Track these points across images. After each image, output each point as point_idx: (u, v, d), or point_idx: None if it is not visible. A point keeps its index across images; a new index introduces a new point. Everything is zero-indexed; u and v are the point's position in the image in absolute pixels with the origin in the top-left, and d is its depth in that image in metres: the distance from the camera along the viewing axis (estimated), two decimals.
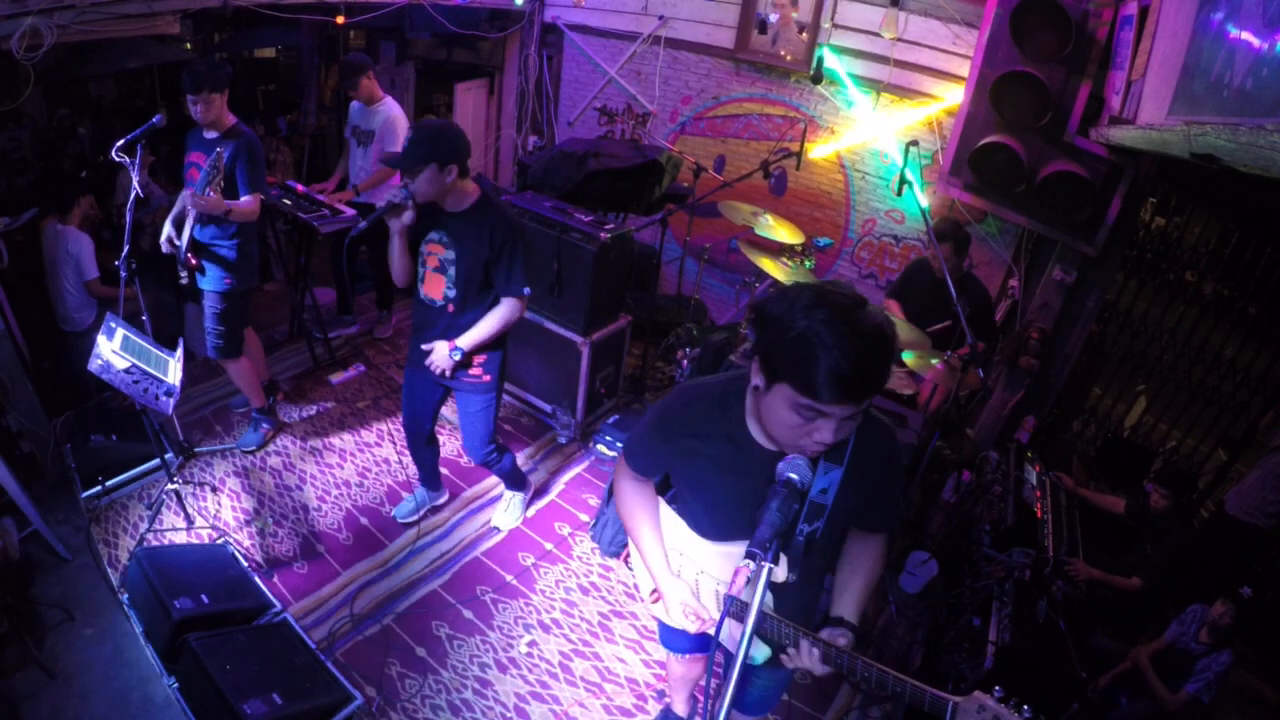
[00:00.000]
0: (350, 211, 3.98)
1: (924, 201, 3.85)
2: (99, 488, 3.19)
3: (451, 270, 2.56)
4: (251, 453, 3.64)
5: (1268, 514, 3.31)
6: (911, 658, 3.06)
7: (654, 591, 1.76)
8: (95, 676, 2.53)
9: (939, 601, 3.23)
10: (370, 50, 6.33)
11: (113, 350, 2.54)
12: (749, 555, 1.18)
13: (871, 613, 3.04)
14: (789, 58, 4.72)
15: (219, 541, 3.06)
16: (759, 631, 1.48)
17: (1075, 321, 4.19)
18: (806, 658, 1.37)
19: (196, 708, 2.25)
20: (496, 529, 3.39)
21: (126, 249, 3.04)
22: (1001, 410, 4.36)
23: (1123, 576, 3.27)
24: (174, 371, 2.69)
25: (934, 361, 3.21)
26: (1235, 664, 2.82)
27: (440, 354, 2.63)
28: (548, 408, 4.11)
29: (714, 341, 3.80)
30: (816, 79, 4.53)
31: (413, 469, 3.62)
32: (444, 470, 3.49)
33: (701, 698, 2.42)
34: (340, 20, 4.80)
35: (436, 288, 2.62)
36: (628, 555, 3.26)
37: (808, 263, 3.96)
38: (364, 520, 3.35)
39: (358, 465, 3.69)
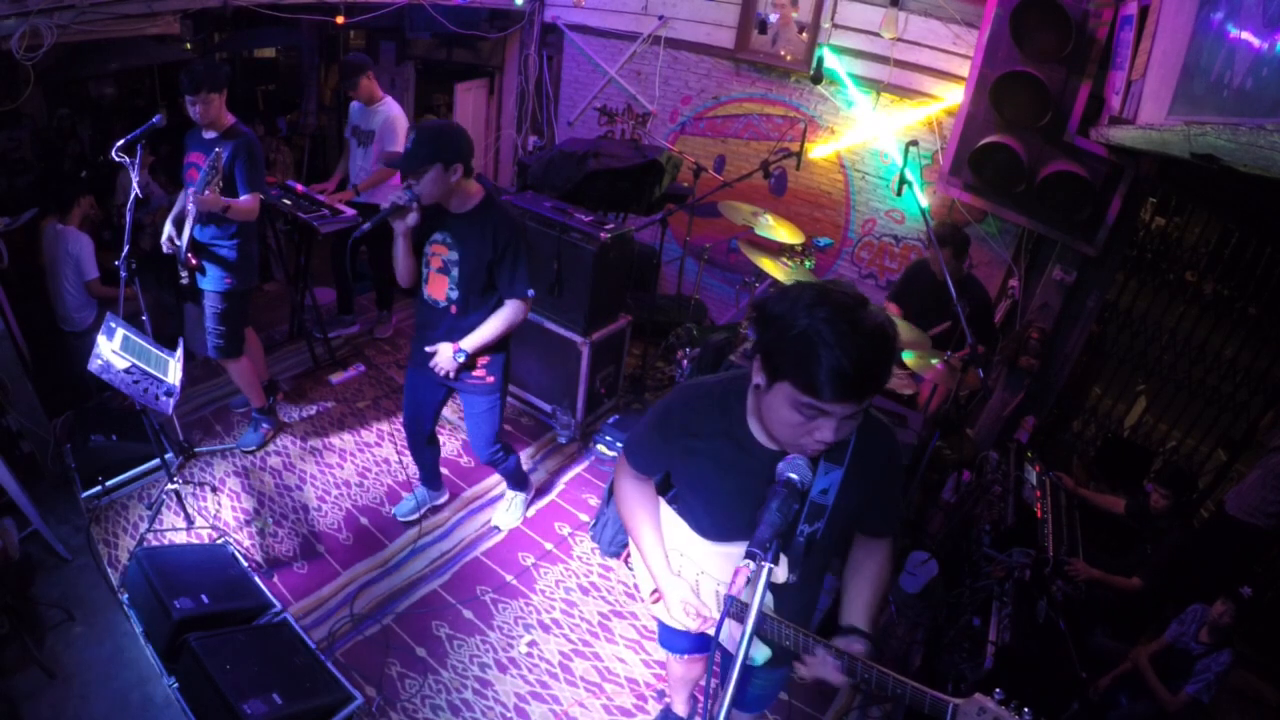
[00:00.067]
0: (350, 211, 3.98)
1: (924, 201, 3.85)
2: (99, 488, 3.19)
3: (455, 271, 2.56)
4: (251, 453, 3.64)
5: (1268, 514, 3.31)
6: (911, 658, 3.06)
7: (654, 591, 1.76)
8: (95, 676, 2.53)
9: (939, 601, 3.23)
10: (370, 50, 6.33)
11: (113, 350, 2.54)
12: (749, 555, 1.18)
13: None
14: (789, 58, 4.72)
15: (219, 541, 3.06)
16: (759, 632, 1.48)
17: (1075, 321, 4.19)
18: (824, 668, 1.35)
19: (196, 708, 2.24)
20: (497, 529, 3.39)
21: (126, 249, 3.04)
22: (1002, 411, 4.36)
23: (1123, 576, 3.27)
24: (174, 371, 2.69)
25: (934, 361, 3.21)
26: (1235, 664, 2.82)
27: (444, 356, 2.63)
28: (548, 408, 4.11)
29: (714, 341, 3.80)
30: (816, 79, 4.53)
31: (413, 469, 3.61)
32: (444, 470, 3.49)
33: (701, 698, 2.42)
34: (340, 20, 4.80)
35: (440, 289, 2.62)
36: (628, 555, 3.26)
37: (808, 263, 3.96)
38: (364, 520, 3.35)
39: (358, 465, 3.70)
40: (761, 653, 1.62)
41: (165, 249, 3.15)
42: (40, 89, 5.38)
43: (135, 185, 2.95)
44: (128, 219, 3.02)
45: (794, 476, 1.25)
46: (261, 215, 3.41)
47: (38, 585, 2.83)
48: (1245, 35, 1.68)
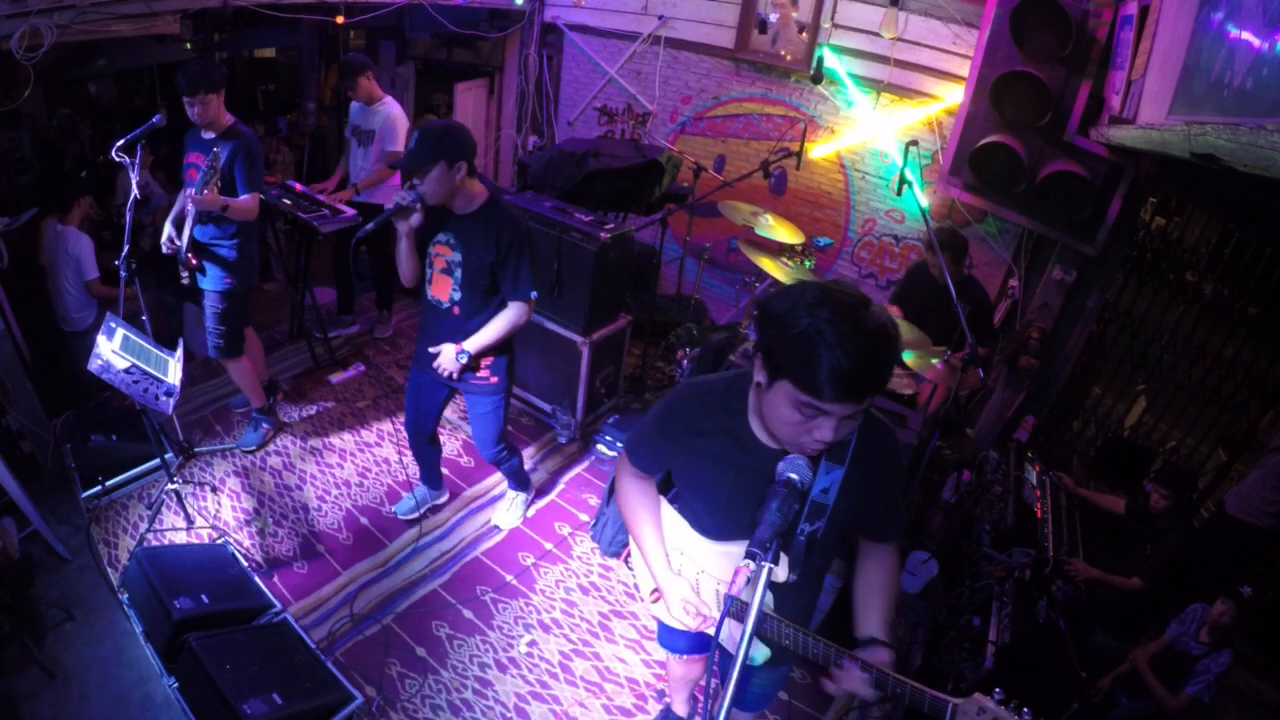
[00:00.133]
0: (350, 211, 3.98)
1: (924, 201, 3.86)
2: (99, 488, 3.19)
3: (458, 272, 2.56)
4: (251, 453, 3.64)
5: (1268, 514, 3.31)
6: (911, 658, 3.06)
7: (654, 591, 1.76)
8: (95, 676, 2.53)
9: (939, 601, 3.23)
10: (370, 50, 6.33)
11: (113, 350, 2.54)
12: (749, 555, 1.18)
13: None
14: (789, 58, 4.72)
15: (219, 541, 3.06)
16: (759, 632, 1.48)
17: (1075, 321, 4.19)
18: (853, 682, 1.33)
19: (196, 708, 2.24)
20: (497, 528, 3.39)
21: (126, 249, 3.04)
22: (1002, 411, 4.36)
23: (1123, 576, 3.27)
24: (174, 371, 2.68)
25: (934, 361, 3.21)
26: (1235, 664, 2.82)
27: (447, 356, 2.63)
28: (548, 408, 4.11)
29: (714, 341, 3.80)
30: (816, 79, 4.53)
31: (412, 468, 3.62)
32: (444, 470, 3.49)
33: (701, 698, 2.42)
34: (340, 20, 4.80)
35: (444, 289, 2.62)
36: (628, 555, 3.26)
37: (808, 263, 3.95)
38: (364, 520, 3.35)
39: (358, 465, 3.69)
40: (761, 652, 1.63)
41: (165, 249, 3.15)
42: (40, 89, 5.38)
43: (135, 185, 2.95)
44: (128, 219, 3.01)
45: (794, 476, 1.25)
46: (261, 215, 3.41)
47: (38, 585, 2.83)
48: (1245, 35, 1.68)
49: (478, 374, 2.74)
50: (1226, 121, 1.72)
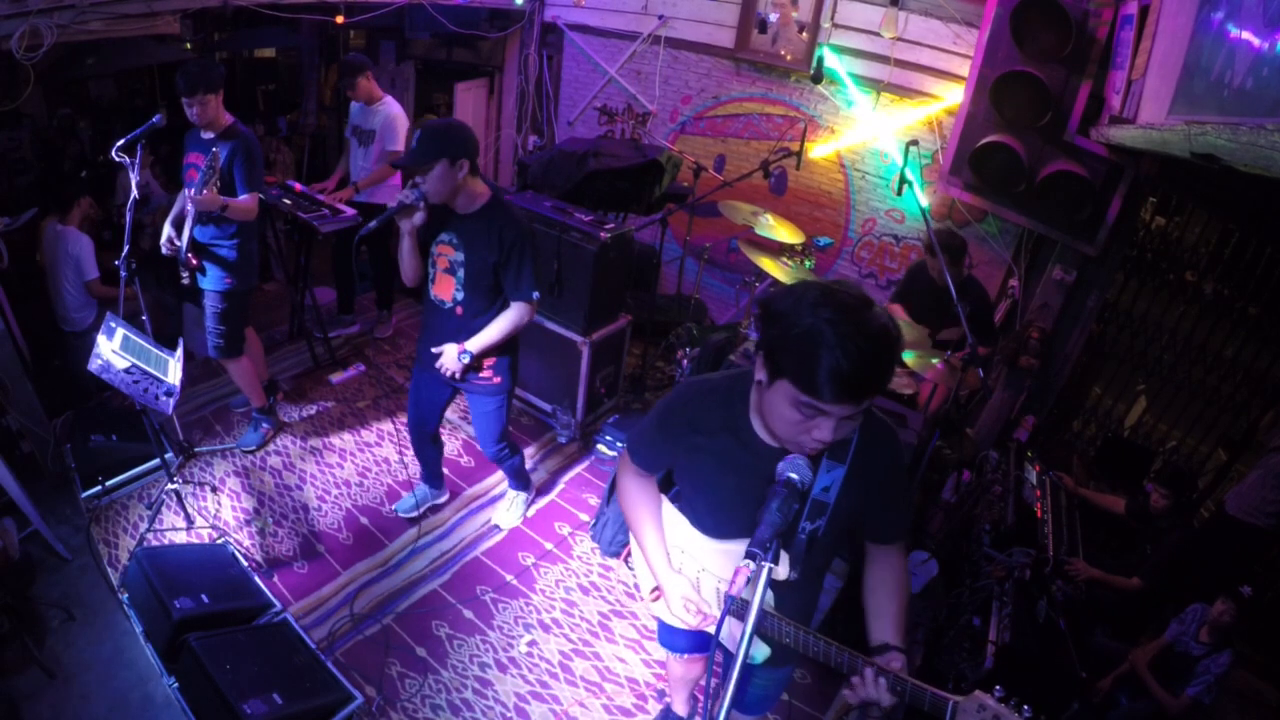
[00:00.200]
0: (350, 211, 3.98)
1: (924, 201, 3.85)
2: (99, 488, 3.19)
3: (461, 272, 2.56)
4: (251, 452, 3.64)
5: (1268, 514, 3.31)
6: (912, 657, 3.04)
7: (655, 589, 1.76)
8: (95, 676, 2.53)
9: (939, 601, 3.23)
10: (370, 50, 6.33)
11: (113, 350, 2.54)
12: (749, 555, 1.18)
13: None
14: (789, 57, 4.71)
15: (219, 541, 3.06)
16: (759, 630, 1.48)
17: (1075, 321, 4.19)
18: (872, 688, 1.32)
19: (196, 708, 2.24)
20: (497, 528, 3.39)
21: (126, 249, 3.04)
22: (1003, 412, 4.36)
23: (1123, 576, 3.27)
24: (174, 371, 2.68)
25: (934, 361, 3.21)
26: (1235, 664, 2.82)
27: (450, 357, 2.63)
28: (548, 408, 4.11)
29: (714, 341, 3.80)
30: (816, 79, 4.53)
31: (412, 469, 3.62)
32: (445, 470, 3.49)
33: (702, 698, 2.42)
34: (340, 20, 4.80)
35: (446, 289, 2.62)
36: (628, 555, 3.26)
37: (808, 262, 3.95)
38: (364, 520, 3.35)
39: (358, 465, 3.69)
40: (761, 651, 1.62)
41: (165, 250, 3.15)
42: (40, 89, 5.37)
43: (135, 185, 2.95)
44: (128, 219, 3.01)
45: (794, 476, 1.25)
46: (261, 215, 3.41)
47: (38, 585, 2.83)
48: (1245, 35, 1.68)
49: (480, 374, 2.74)
50: (1226, 121, 1.72)
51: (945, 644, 2.95)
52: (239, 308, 3.35)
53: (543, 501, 3.61)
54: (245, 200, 3.13)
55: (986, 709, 1.17)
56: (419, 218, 2.45)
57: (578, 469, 3.88)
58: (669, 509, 1.72)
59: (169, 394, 2.58)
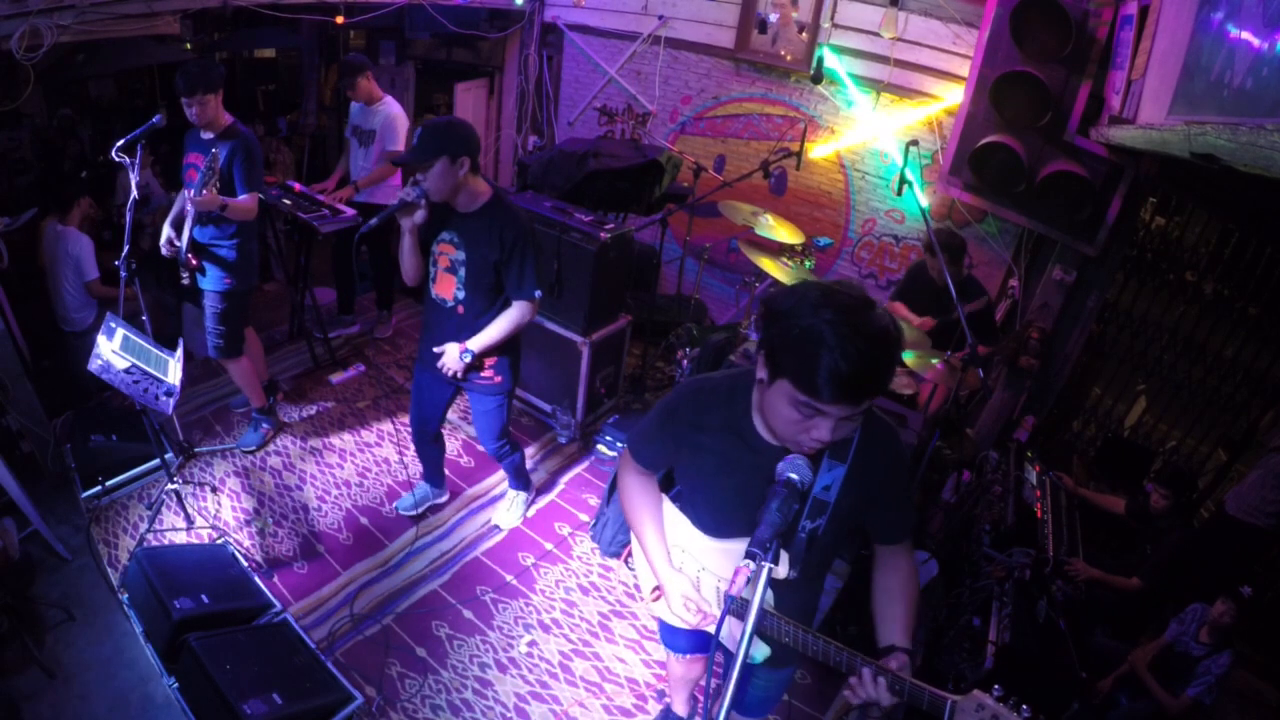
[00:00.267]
0: (350, 211, 3.98)
1: (924, 201, 3.85)
2: (99, 488, 3.19)
3: (462, 271, 2.55)
4: (251, 453, 3.64)
5: (1268, 514, 3.31)
6: (912, 657, 3.05)
7: (655, 589, 1.76)
8: (95, 676, 2.53)
9: (939, 601, 3.23)
10: (370, 50, 6.32)
11: (113, 350, 2.54)
12: (749, 555, 1.18)
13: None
14: (789, 58, 4.72)
15: (219, 541, 3.06)
16: (759, 630, 1.48)
17: (1075, 321, 4.19)
18: (871, 687, 1.32)
19: (196, 708, 2.25)
20: (497, 528, 3.39)
21: (126, 249, 3.04)
22: (1003, 412, 4.36)
23: (1123, 576, 3.27)
24: (174, 371, 2.69)
25: (934, 361, 3.21)
26: (1235, 664, 2.82)
27: (451, 356, 2.63)
28: (548, 408, 4.11)
29: (714, 341, 3.80)
30: (816, 79, 4.53)
31: (412, 469, 3.62)
32: (445, 471, 3.49)
33: (702, 698, 2.42)
34: (340, 20, 4.80)
35: (448, 288, 2.61)
36: (627, 555, 3.26)
37: (808, 263, 3.96)
38: (364, 520, 3.35)
39: (358, 465, 3.69)
40: (761, 651, 1.62)
41: (165, 251, 3.15)
42: (40, 89, 5.38)
43: (135, 185, 2.95)
44: (128, 219, 3.01)
45: (794, 476, 1.25)
46: (261, 215, 3.41)
47: (38, 585, 2.83)
48: (1245, 35, 1.68)
49: (481, 373, 2.74)
50: (1226, 121, 1.72)
51: (945, 644, 2.95)
52: (239, 308, 3.35)
53: (543, 502, 3.61)
54: (245, 200, 3.13)
55: (985, 708, 1.17)
56: (420, 215, 2.44)
57: (578, 469, 3.88)
58: (669, 508, 1.73)
59: (169, 394, 2.58)
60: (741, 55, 4.92)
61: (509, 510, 3.41)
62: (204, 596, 2.52)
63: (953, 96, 4.18)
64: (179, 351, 2.78)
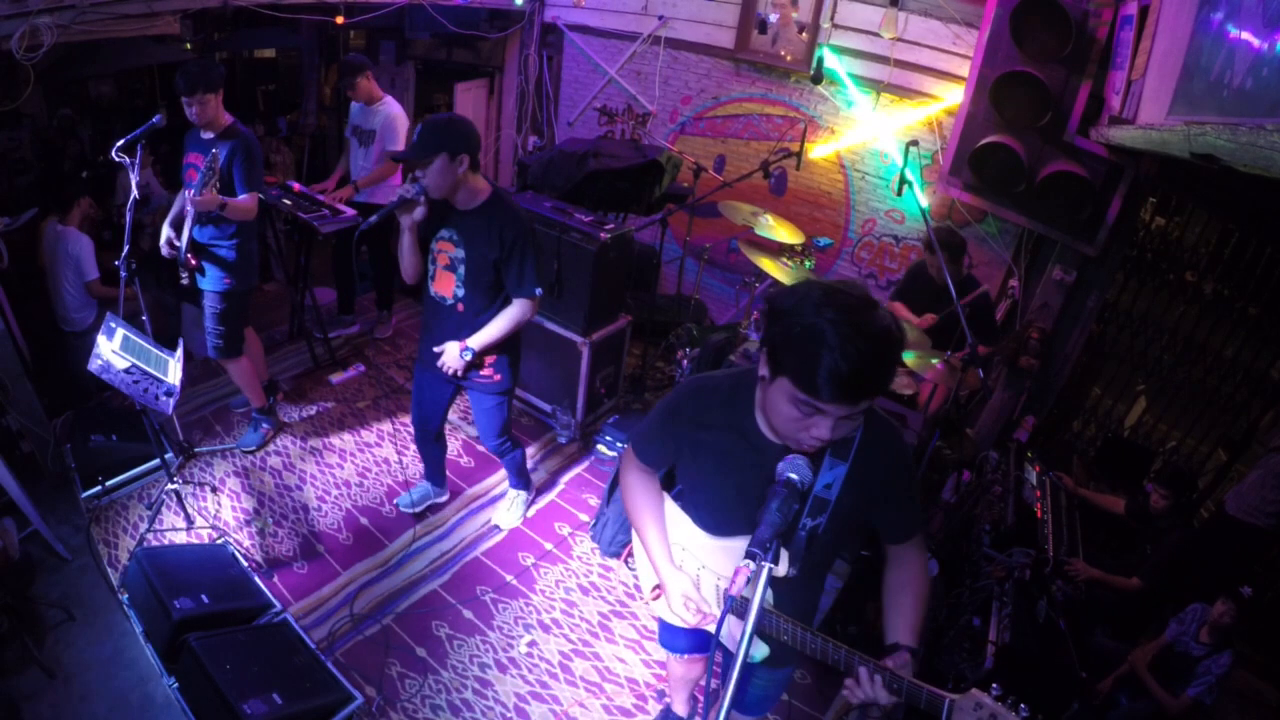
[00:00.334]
0: (350, 211, 3.98)
1: (924, 201, 3.85)
2: (99, 488, 3.19)
3: (462, 269, 2.55)
4: (251, 453, 3.64)
5: (1268, 514, 3.31)
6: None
7: (655, 588, 1.77)
8: (95, 676, 2.53)
9: (939, 601, 3.23)
10: (370, 50, 6.33)
11: (113, 350, 2.54)
12: (749, 555, 1.18)
13: (873, 613, 3.04)
14: (789, 58, 4.72)
15: (219, 541, 3.06)
16: (759, 629, 1.48)
17: (1075, 321, 4.19)
18: (868, 686, 1.31)
19: (196, 708, 2.25)
20: (497, 528, 3.39)
21: (126, 249, 3.04)
22: (1003, 412, 4.36)
23: (1123, 576, 3.27)
24: (174, 371, 2.69)
25: (934, 361, 3.21)
26: (1235, 664, 2.82)
27: (451, 354, 2.62)
28: (548, 408, 4.11)
29: (714, 341, 3.80)
30: (816, 79, 4.53)
31: (412, 470, 3.63)
32: (446, 470, 3.49)
33: (702, 698, 2.42)
34: (340, 20, 4.80)
35: (447, 286, 2.61)
36: (628, 555, 3.26)
37: (808, 263, 3.96)
38: (364, 520, 3.35)
39: (358, 465, 3.70)
40: (760, 650, 1.63)
41: (165, 252, 3.15)
42: (40, 89, 5.38)
43: (135, 185, 2.94)
44: (128, 219, 3.01)
45: (794, 477, 1.26)
46: (261, 215, 3.41)
47: (38, 585, 2.83)
48: (1245, 35, 1.68)
49: (482, 372, 2.74)
50: (1226, 121, 1.72)
51: (945, 644, 2.95)
52: (238, 308, 3.35)
53: (543, 502, 3.61)
54: (244, 200, 3.13)
55: (983, 707, 1.17)
56: (419, 212, 2.44)
57: (577, 469, 3.88)
58: (670, 506, 1.73)
59: (169, 394, 2.58)
60: (741, 55, 4.92)
61: (509, 510, 3.41)
62: (204, 596, 2.52)
63: (953, 96, 4.18)
64: (179, 351, 2.78)
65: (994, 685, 1.17)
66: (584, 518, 3.53)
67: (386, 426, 4.00)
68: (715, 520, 1.58)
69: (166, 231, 3.14)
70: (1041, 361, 4.13)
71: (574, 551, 3.33)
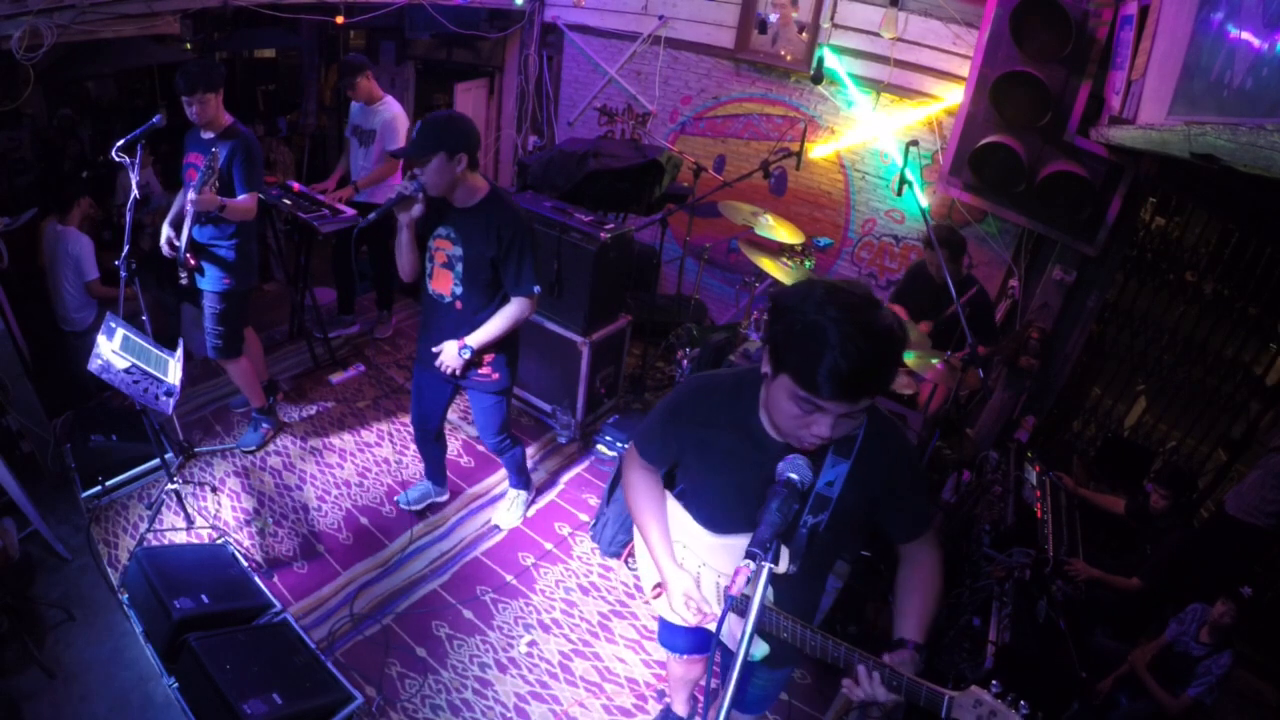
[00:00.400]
0: (350, 211, 3.98)
1: (924, 201, 3.85)
2: (99, 488, 3.19)
3: (459, 266, 2.55)
4: (251, 453, 3.64)
5: (1267, 514, 3.31)
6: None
7: (656, 586, 1.77)
8: (95, 676, 2.53)
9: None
10: (370, 50, 6.33)
11: (113, 350, 2.54)
12: (749, 555, 1.18)
13: (873, 613, 3.04)
14: (789, 58, 4.72)
15: (219, 541, 3.06)
16: (759, 627, 1.48)
17: (1075, 321, 4.19)
18: (867, 683, 1.31)
19: (196, 708, 2.24)
20: (497, 528, 3.39)
21: (126, 249, 3.04)
22: (1003, 412, 4.36)
23: (1122, 576, 3.27)
24: (174, 371, 2.69)
25: (934, 361, 3.21)
26: (1235, 664, 2.82)
27: (449, 353, 2.62)
28: (548, 408, 4.11)
29: (714, 341, 3.80)
30: (816, 79, 4.53)
31: (412, 469, 3.63)
32: (446, 470, 3.49)
33: (702, 698, 2.42)
34: (340, 20, 4.80)
35: (444, 284, 2.61)
36: (628, 555, 3.26)
37: (808, 263, 3.96)
38: (364, 520, 3.35)
39: (358, 465, 3.69)
40: (760, 649, 1.63)
41: (165, 252, 3.15)
42: (40, 89, 5.38)
43: (135, 185, 2.94)
44: (128, 219, 3.01)
45: (794, 477, 1.26)
46: (261, 215, 3.40)
47: (38, 585, 2.83)
48: (1245, 35, 1.68)
49: (480, 370, 2.74)
50: (1226, 121, 1.72)
51: (945, 644, 2.95)
52: (238, 308, 3.35)
53: (543, 501, 3.61)
54: (243, 200, 3.13)
55: (983, 704, 1.17)
56: (417, 209, 2.44)
57: (577, 469, 3.88)
58: (671, 504, 1.73)
59: (169, 394, 2.58)
60: (741, 55, 4.92)
61: (509, 510, 3.41)
62: (204, 596, 2.52)
63: (953, 96, 4.18)
64: (179, 351, 2.78)
65: (994, 682, 1.17)
66: (584, 518, 3.53)
67: (386, 426, 4.00)
68: (716, 518, 1.58)
69: (166, 231, 3.14)
70: (1041, 361, 4.13)
71: (574, 551, 3.33)
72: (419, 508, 3.37)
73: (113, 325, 2.69)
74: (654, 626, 2.93)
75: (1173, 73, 2.26)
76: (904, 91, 4.42)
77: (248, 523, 3.25)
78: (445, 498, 3.47)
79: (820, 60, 4.52)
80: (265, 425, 3.72)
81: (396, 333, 4.91)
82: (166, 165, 5.36)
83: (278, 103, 7.31)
